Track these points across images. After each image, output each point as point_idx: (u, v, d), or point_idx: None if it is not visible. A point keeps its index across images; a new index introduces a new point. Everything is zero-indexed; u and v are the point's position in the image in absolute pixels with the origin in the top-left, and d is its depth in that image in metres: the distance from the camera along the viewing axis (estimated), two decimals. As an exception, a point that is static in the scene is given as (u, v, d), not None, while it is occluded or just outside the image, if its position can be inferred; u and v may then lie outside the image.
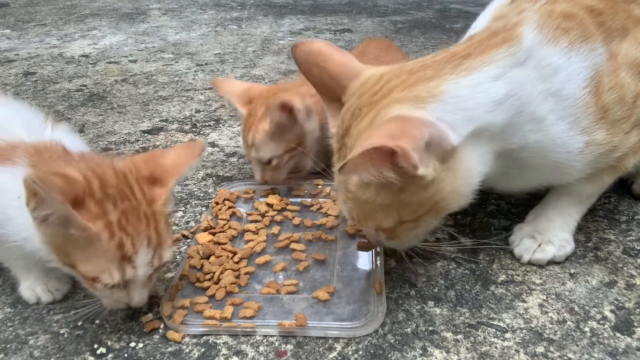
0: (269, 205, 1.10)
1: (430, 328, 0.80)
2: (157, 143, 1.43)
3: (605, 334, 0.79)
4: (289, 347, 0.77)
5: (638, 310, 0.84)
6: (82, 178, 0.70)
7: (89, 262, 0.71)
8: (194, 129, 1.53)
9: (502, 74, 0.76)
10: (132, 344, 0.78)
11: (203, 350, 0.77)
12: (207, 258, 0.94)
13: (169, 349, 0.77)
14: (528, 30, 0.79)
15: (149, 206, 0.73)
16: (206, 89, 1.86)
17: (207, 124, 1.56)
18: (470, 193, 0.78)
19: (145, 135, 1.49)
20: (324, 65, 0.84)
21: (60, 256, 0.73)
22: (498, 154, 0.80)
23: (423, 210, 0.76)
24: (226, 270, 0.90)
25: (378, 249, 0.95)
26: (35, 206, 0.67)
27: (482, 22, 0.90)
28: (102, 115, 1.63)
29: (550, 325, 0.81)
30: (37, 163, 0.75)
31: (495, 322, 0.82)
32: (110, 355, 0.76)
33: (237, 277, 0.89)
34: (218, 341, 0.78)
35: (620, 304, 0.85)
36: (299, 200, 1.13)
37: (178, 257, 0.97)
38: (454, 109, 0.73)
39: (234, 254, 0.94)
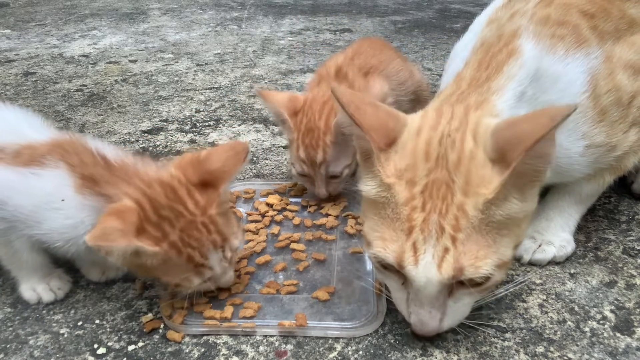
0: (269, 205, 1.10)
1: (430, 328, 0.80)
2: (157, 143, 1.43)
3: (605, 334, 0.79)
4: (289, 347, 0.77)
5: (638, 310, 0.84)
6: (136, 204, 0.71)
7: (169, 274, 0.75)
8: (194, 129, 1.53)
9: (522, 93, 0.76)
10: (132, 344, 0.78)
11: (203, 350, 0.77)
12: (207, 258, 0.94)
13: (169, 349, 0.77)
14: (525, 43, 0.78)
15: (204, 214, 0.74)
16: (206, 89, 1.86)
17: (207, 124, 1.56)
18: None
19: (145, 135, 1.49)
20: (378, 104, 0.73)
21: (141, 273, 0.79)
22: None
23: (523, 228, 0.70)
24: (226, 270, 0.90)
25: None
26: (105, 255, 0.68)
27: (477, 26, 0.90)
28: (102, 115, 1.63)
29: (550, 325, 0.81)
30: (74, 164, 0.75)
31: (495, 322, 0.82)
32: (110, 355, 0.76)
33: (237, 277, 0.89)
34: (218, 341, 0.79)
35: (620, 304, 0.85)
36: (299, 200, 1.13)
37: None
38: None
39: (234, 254, 0.94)
